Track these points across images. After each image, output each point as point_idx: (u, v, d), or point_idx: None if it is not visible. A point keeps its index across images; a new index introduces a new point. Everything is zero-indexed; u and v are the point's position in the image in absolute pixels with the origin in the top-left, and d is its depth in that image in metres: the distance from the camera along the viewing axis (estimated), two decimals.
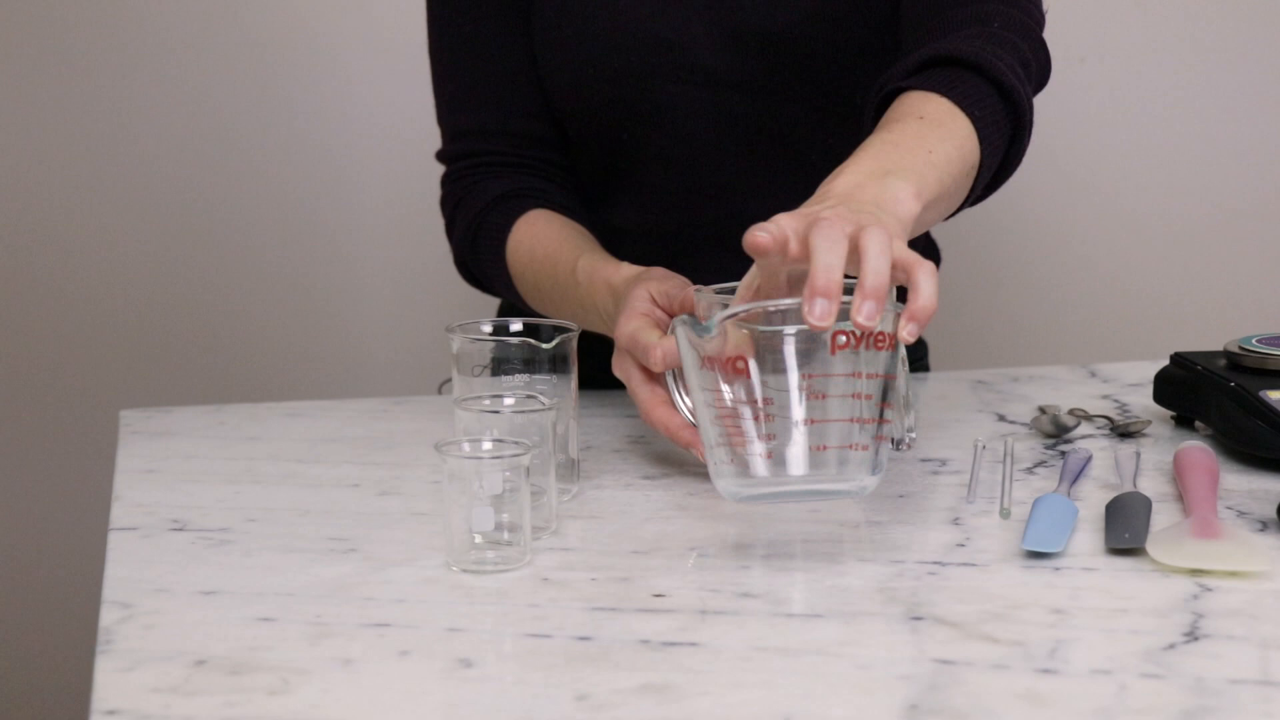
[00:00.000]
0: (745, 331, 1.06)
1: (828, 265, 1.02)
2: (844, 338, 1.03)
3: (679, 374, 1.24)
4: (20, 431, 2.21)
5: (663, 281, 1.26)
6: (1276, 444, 1.27)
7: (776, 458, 1.06)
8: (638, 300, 1.25)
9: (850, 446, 1.05)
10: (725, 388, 1.06)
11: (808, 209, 1.10)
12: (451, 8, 1.52)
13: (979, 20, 1.33)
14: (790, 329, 1.05)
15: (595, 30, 1.47)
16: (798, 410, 1.04)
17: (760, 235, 1.06)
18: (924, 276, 1.06)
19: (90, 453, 2.13)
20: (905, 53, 1.37)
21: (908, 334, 1.04)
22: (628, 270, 1.32)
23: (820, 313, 1.01)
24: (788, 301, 1.07)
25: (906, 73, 1.28)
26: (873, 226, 1.05)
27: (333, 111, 2.18)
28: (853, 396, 1.04)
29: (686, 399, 1.24)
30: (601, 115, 1.50)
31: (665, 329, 1.24)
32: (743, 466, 1.06)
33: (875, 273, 1.03)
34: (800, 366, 1.04)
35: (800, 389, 1.04)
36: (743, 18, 1.45)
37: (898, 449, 1.07)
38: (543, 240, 1.45)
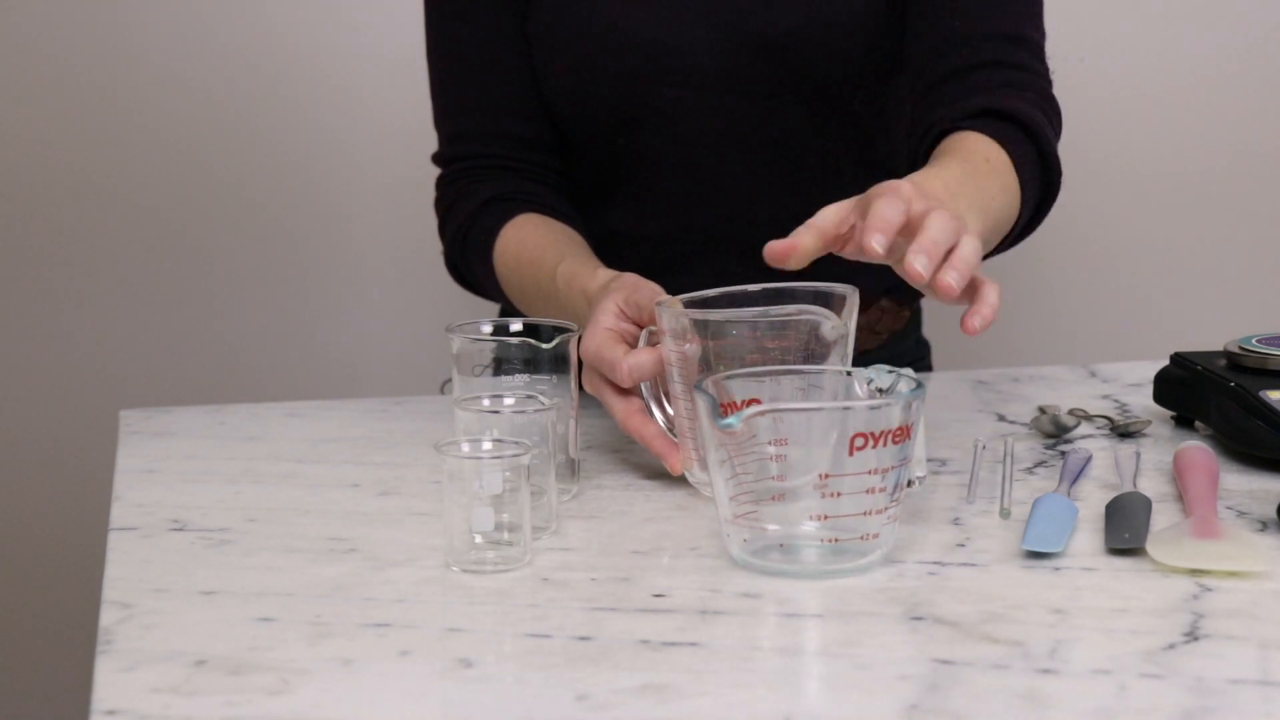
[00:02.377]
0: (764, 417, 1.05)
1: (884, 216, 1.07)
2: (861, 439, 1.02)
3: (653, 383, 1.24)
4: (20, 431, 2.21)
5: (632, 291, 1.24)
6: (1276, 444, 1.26)
7: (789, 547, 1.06)
8: (603, 315, 1.24)
9: (863, 538, 1.06)
10: (741, 469, 1.05)
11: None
12: (448, 12, 1.52)
13: (999, 64, 1.38)
14: (804, 421, 1.04)
15: (593, 34, 1.47)
16: (813, 507, 1.04)
17: (775, 243, 1.10)
18: (991, 290, 1.10)
19: (90, 453, 2.12)
20: (911, 69, 1.40)
21: (951, 280, 1.07)
22: (603, 277, 1.31)
23: (880, 233, 1.07)
24: (811, 405, 1.07)
25: (965, 115, 1.32)
26: (942, 211, 1.09)
27: (333, 112, 2.18)
28: (866, 492, 1.04)
29: (658, 409, 1.24)
30: (600, 119, 1.50)
31: (633, 341, 1.23)
32: (756, 545, 1.07)
33: (934, 240, 1.07)
34: (818, 466, 1.04)
35: (816, 487, 1.04)
36: (743, 22, 1.45)
37: (907, 486, 1.08)
38: (528, 245, 1.44)
